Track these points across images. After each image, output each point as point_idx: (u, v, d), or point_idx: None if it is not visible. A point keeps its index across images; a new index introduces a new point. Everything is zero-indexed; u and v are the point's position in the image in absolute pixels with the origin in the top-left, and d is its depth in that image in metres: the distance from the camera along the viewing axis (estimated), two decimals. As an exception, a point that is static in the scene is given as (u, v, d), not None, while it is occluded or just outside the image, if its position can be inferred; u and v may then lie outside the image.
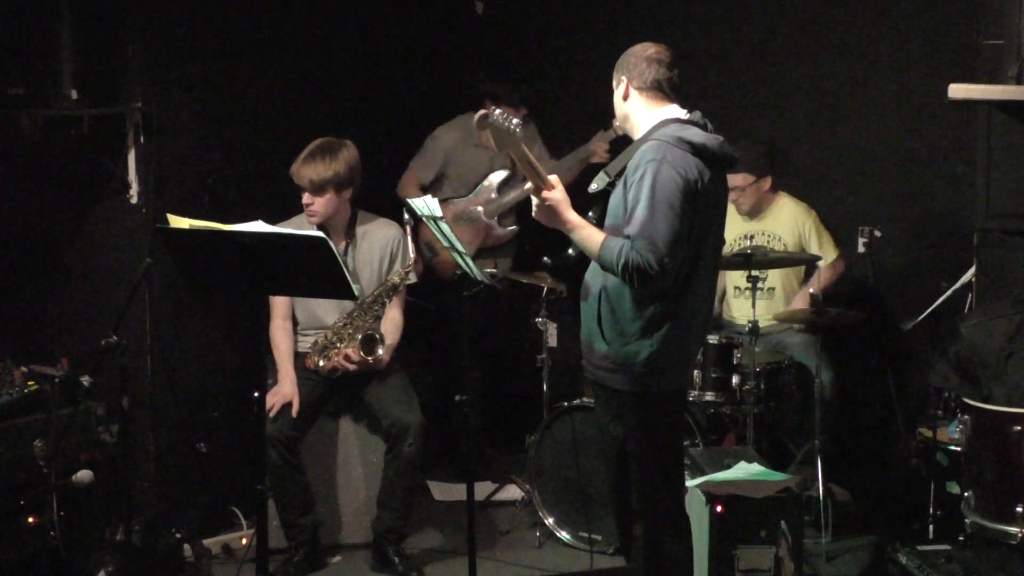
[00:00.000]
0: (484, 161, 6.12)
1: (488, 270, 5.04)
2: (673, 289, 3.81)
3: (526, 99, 6.10)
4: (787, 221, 5.80)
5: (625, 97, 3.97)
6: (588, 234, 3.83)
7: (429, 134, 6.13)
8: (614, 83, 4.01)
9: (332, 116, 5.82)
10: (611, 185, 3.91)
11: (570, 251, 3.98)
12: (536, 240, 4.06)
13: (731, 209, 5.75)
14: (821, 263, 5.70)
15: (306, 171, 5.06)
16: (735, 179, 5.63)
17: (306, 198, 5.11)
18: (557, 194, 3.85)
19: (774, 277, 5.77)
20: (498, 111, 3.76)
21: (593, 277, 3.93)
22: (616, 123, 4.15)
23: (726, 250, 5.15)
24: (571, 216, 3.86)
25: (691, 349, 4.04)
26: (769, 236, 5.79)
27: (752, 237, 5.78)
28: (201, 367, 5.47)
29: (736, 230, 5.74)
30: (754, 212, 5.82)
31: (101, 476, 4.72)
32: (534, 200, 3.88)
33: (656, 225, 3.68)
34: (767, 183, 5.78)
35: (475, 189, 6.14)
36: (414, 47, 6.49)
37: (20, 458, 4.59)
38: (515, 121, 3.74)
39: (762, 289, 5.73)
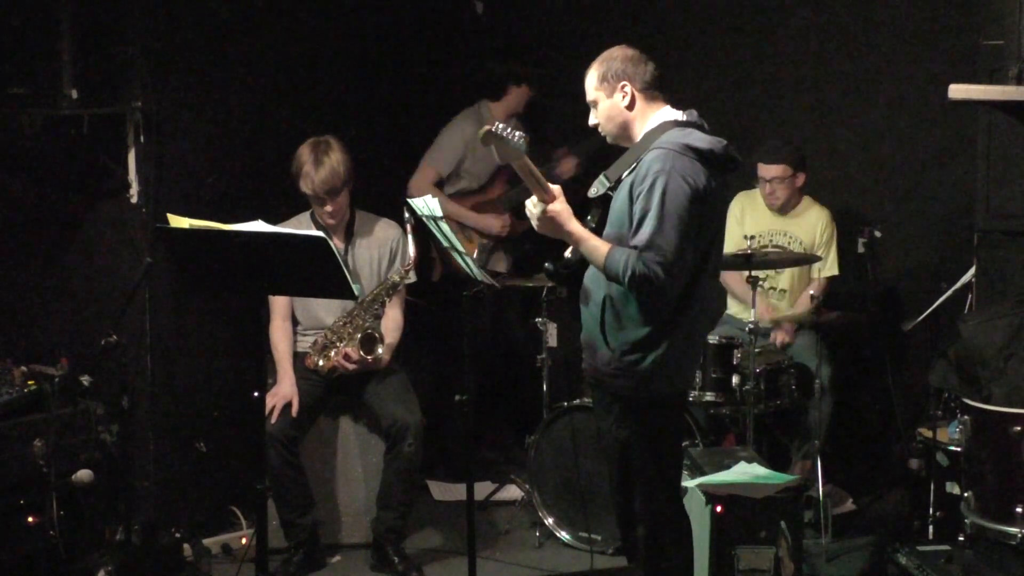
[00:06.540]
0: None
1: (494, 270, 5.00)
2: (678, 295, 3.77)
3: (544, 80, 6.09)
4: (808, 225, 5.74)
5: (631, 104, 3.86)
6: (594, 246, 3.78)
7: (442, 128, 6.03)
8: (607, 93, 3.87)
9: (331, 116, 5.81)
10: (610, 191, 3.88)
11: (567, 253, 3.96)
12: (536, 244, 4.05)
13: (759, 205, 5.74)
14: (819, 273, 5.68)
15: (322, 177, 5.00)
16: (774, 169, 5.61)
17: (328, 205, 5.06)
18: (559, 205, 3.81)
19: (786, 278, 5.74)
20: (501, 124, 3.69)
21: (594, 282, 3.89)
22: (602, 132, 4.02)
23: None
24: (575, 227, 3.81)
25: (695, 352, 4.02)
26: (790, 237, 5.74)
27: (771, 236, 5.74)
28: (201, 367, 5.46)
29: (760, 226, 5.70)
30: (785, 210, 5.74)
31: (101, 476, 4.72)
32: (537, 211, 3.84)
33: (666, 236, 3.64)
34: (801, 179, 5.68)
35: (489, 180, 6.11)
36: (414, 47, 6.48)
37: (20, 458, 4.59)
38: (518, 134, 3.69)
39: (775, 289, 5.72)
